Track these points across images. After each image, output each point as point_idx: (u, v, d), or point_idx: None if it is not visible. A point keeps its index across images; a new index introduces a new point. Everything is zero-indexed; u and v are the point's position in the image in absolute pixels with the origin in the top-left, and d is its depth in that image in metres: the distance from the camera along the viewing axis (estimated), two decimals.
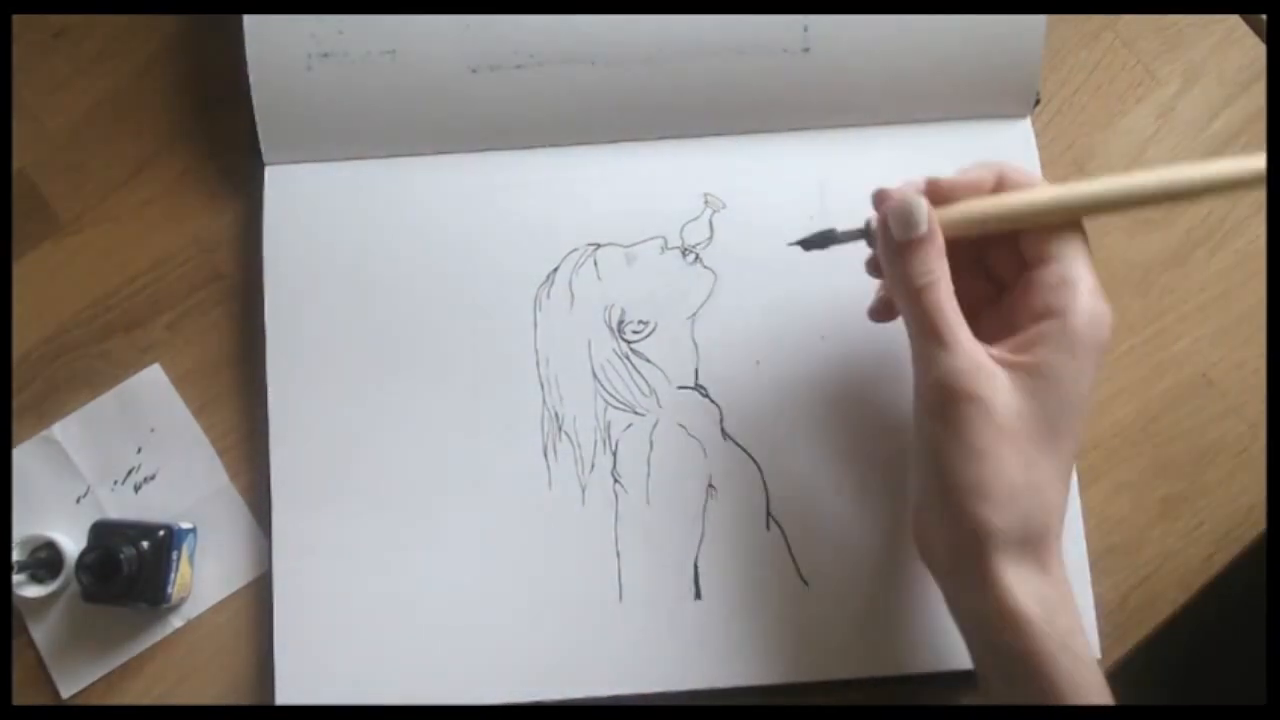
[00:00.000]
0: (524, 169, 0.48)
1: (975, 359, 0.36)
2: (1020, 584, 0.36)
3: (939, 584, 0.39)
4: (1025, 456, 0.36)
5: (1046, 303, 0.37)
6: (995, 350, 0.37)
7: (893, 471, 0.45)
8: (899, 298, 0.38)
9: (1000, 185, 0.39)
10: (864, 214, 0.40)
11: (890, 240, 0.37)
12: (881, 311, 0.43)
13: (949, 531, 0.37)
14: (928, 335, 0.37)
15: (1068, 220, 0.38)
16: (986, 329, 0.38)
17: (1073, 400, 0.36)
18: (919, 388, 0.38)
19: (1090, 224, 0.48)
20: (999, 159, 0.40)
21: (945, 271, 0.37)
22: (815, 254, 0.43)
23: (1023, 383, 0.36)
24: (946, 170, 0.41)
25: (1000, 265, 0.40)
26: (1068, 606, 0.36)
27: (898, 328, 0.40)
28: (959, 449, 0.36)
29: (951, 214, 0.38)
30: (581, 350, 0.46)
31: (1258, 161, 0.36)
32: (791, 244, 0.42)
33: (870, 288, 0.44)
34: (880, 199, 0.40)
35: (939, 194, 0.38)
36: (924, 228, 0.37)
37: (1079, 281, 0.37)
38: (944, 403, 0.36)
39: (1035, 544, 0.36)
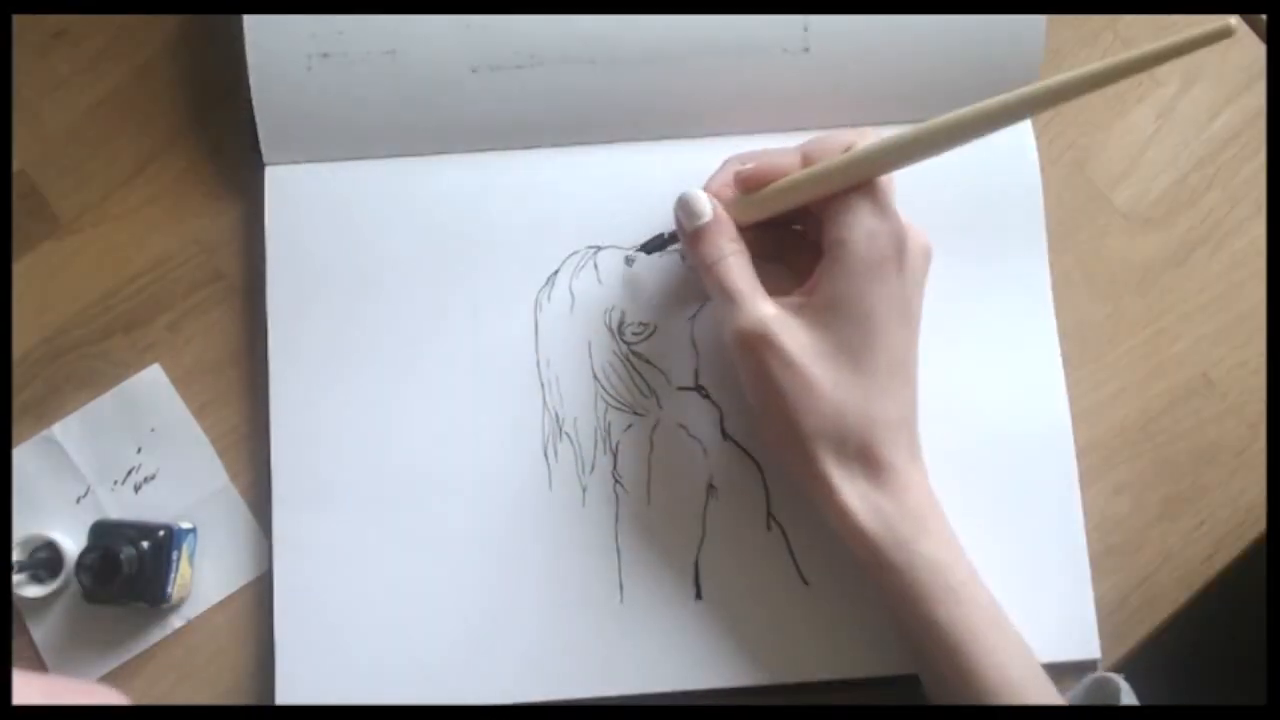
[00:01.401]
0: (524, 169, 0.48)
1: (760, 311, 0.40)
2: (846, 485, 0.40)
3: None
4: (828, 378, 0.39)
5: (827, 238, 0.41)
6: (789, 298, 0.41)
7: None
8: (699, 273, 0.43)
9: (805, 163, 0.41)
10: None
11: (684, 229, 0.43)
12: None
13: (779, 438, 0.41)
14: (720, 299, 0.42)
15: (853, 183, 0.40)
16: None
17: (861, 319, 0.40)
18: (724, 341, 0.42)
19: (1090, 224, 0.49)
20: (996, 167, 0.41)
21: (735, 249, 0.42)
22: None
23: (811, 318, 0.40)
24: (944, 172, 0.41)
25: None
26: (915, 520, 0.40)
27: None
28: (764, 384, 0.40)
29: (744, 201, 0.42)
30: (582, 352, 0.46)
31: (1020, 92, 0.37)
32: (635, 251, 0.46)
33: None
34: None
35: (750, 183, 0.42)
36: (708, 215, 0.42)
37: (853, 208, 0.40)
38: (741, 349, 0.41)
39: (860, 453, 0.40)
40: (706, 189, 0.43)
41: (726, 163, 0.44)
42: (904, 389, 0.41)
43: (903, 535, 0.39)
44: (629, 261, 0.47)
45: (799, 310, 0.41)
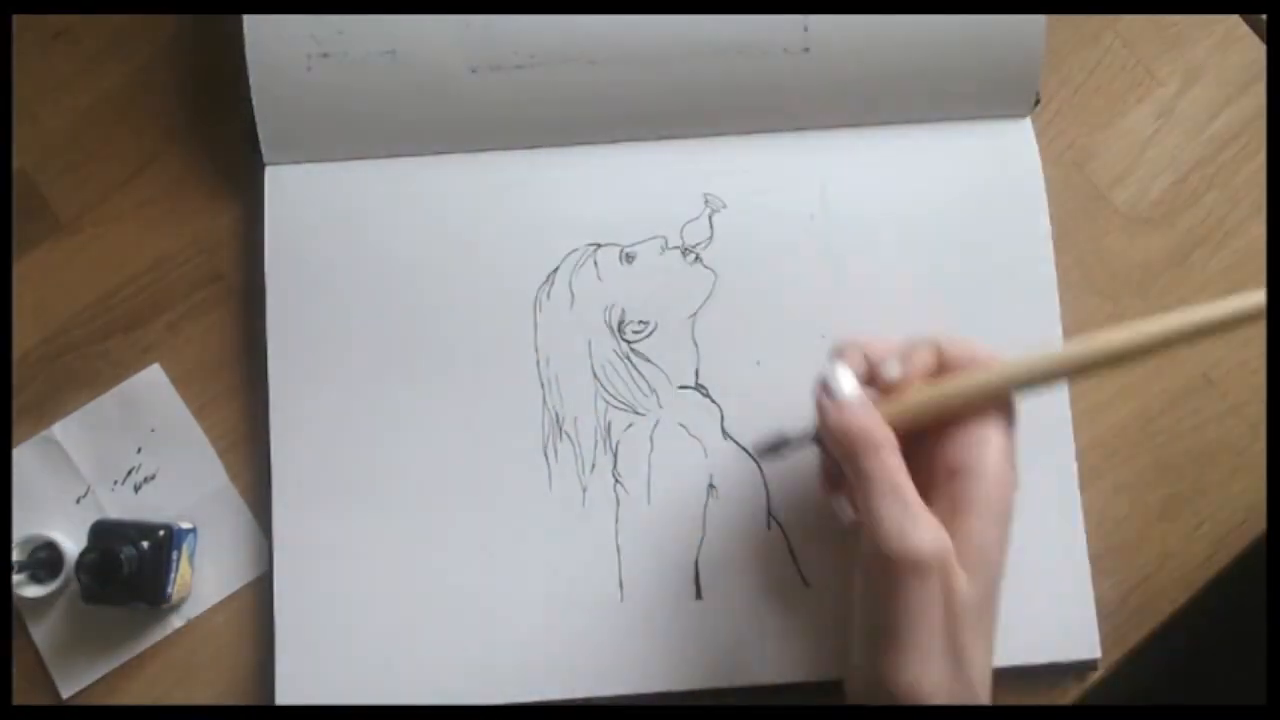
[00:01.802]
0: (524, 169, 0.48)
1: (943, 539, 0.34)
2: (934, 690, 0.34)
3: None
4: (964, 637, 0.34)
5: (957, 462, 0.36)
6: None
7: None
8: (849, 456, 0.36)
9: (941, 361, 0.37)
10: (862, 217, 0.40)
11: (827, 410, 0.37)
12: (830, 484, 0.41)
13: (879, 690, 0.35)
14: (885, 498, 0.34)
15: (996, 400, 0.37)
16: None
17: (992, 573, 0.35)
18: (872, 551, 0.35)
19: (1090, 224, 0.48)
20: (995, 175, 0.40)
21: (891, 436, 0.36)
22: (813, 255, 0.44)
23: (960, 559, 0.34)
24: (945, 173, 0.41)
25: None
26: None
27: (898, 323, 0.40)
28: (904, 615, 0.34)
29: (896, 409, 0.37)
30: (582, 350, 0.46)
31: (1219, 308, 0.35)
32: (756, 452, 0.44)
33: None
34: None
35: (886, 389, 0.38)
36: (857, 395, 0.36)
37: (989, 442, 0.36)
38: (902, 568, 0.34)
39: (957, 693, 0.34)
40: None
41: (843, 345, 0.39)
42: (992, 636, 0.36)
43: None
44: (628, 259, 0.47)
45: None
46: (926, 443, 0.37)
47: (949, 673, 0.34)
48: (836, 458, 0.37)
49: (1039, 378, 0.36)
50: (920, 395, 0.37)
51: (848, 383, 0.37)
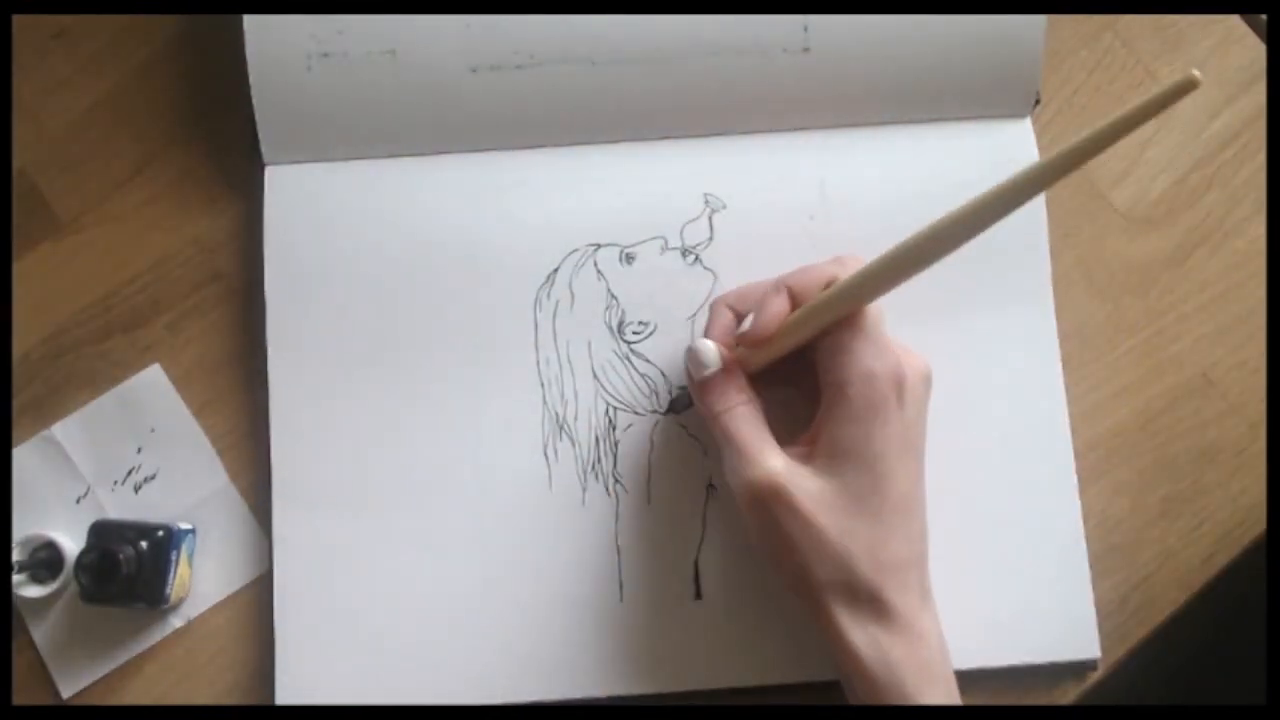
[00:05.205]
0: (524, 169, 0.48)
1: (770, 464, 0.39)
2: (854, 629, 0.38)
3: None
4: (837, 526, 0.38)
5: (825, 382, 0.40)
6: (795, 448, 0.40)
7: None
8: (708, 423, 0.42)
9: (793, 299, 0.40)
10: (862, 217, 0.40)
11: (692, 380, 0.42)
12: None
13: (792, 585, 0.40)
14: (728, 450, 0.41)
15: (848, 312, 0.39)
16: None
17: (867, 463, 0.38)
18: (733, 491, 0.41)
19: (1090, 225, 0.48)
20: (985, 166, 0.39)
21: (743, 399, 0.41)
22: (813, 255, 0.43)
23: (818, 466, 0.39)
24: (945, 172, 0.40)
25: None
26: (914, 656, 0.38)
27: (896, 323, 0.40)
28: (775, 536, 0.39)
29: (760, 357, 0.41)
30: (582, 350, 0.46)
31: (1017, 175, 0.36)
32: (665, 413, 0.46)
33: None
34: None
35: (753, 341, 0.41)
36: (715, 365, 0.41)
37: (848, 349, 0.39)
38: (751, 502, 0.39)
39: (868, 597, 0.38)
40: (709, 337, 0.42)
41: (715, 305, 0.43)
42: (912, 525, 0.40)
43: (910, 690, 0.37)
44: (628, 259, 0.47)
45: (805, 459, 0.40)
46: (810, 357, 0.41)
47: (836, 560, 0.38)
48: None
49: (867, 287, 0.38)
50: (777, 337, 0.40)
51: (709, 355, 0.41)
